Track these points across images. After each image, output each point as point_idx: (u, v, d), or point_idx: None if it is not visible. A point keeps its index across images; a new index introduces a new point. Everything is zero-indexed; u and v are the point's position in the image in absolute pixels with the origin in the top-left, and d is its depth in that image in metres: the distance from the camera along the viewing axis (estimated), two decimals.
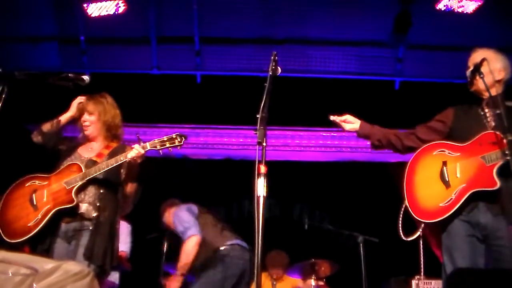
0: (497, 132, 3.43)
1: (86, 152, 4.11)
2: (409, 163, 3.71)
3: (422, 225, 3.53)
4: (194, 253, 4.86)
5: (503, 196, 3.33)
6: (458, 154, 3.56)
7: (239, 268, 4.89)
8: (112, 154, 4.00)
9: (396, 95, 8.11)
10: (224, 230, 5.19)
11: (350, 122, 4.03)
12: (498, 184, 3.29)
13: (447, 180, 3.49)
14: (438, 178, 3.54)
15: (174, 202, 5.48)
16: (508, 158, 3.22)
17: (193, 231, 4.92)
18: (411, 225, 3.65)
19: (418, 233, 3.57)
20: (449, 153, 3.60)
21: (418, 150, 3.75)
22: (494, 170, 3.35)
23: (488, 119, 3.64)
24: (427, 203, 3.52)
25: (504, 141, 3.28)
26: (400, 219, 3.66)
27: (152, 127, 7.96)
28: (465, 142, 3.57)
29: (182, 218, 5.06)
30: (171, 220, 5.26)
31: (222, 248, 4.94)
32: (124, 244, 6.36)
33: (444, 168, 3.54)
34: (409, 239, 3.62)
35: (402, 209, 3.64)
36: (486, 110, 3.68)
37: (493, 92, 3.65)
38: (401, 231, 3.65)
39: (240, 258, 4.93)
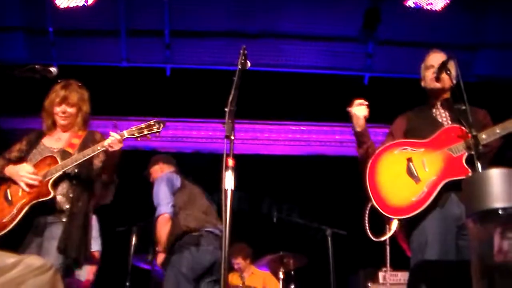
0: (460, 126, 3.53)
1: (53, 142, 3.98)
2: (369, 165, 3.68)
3: (395, 224, 3.45)
4: (165, 231, 4.77)
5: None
6: (422, 149, 3.61)
7: (207, 259, 4.81)
8: (83, 143, 3.91)
9: (365, 90, 8.18)
10: (207, 211, 5.08)
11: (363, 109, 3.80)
12: (470, 172, 3.33)
13: (415, 175, 3.51)
14: (406, 175, 3.55)
15: (166, 162, 5.47)
16: (472, 152, 3.28)
17: (163, 209, 4.84)
18: (377, 225, 3.60)
19: (392, 232, 3.46)
20: (412, 149, 3.64)
21: (377, 152, 3.74)
22: (463, 159, 3.43)
23: (444, 119, 3.74)
24: (398, 200, 3.50)
25: (469, 135, 3.34)
26: (366, 221, 3.61)
27: (121, 120, 7.89)
28: (426, 139, 3.64)
29: (158, 192, 4.96)
30: (154, 178, 5.28)
31: (194, 234, 4.81)
32: (95, 241, 6.33)
33: (410, 164, 3.56)
34: (382, 239, 3.54)
35: (367, 210, 3.61)
36: (442, 111, 3.79)
37: (447, 94, 3.82)
38: (369, 232, 3.58)
39: (209, 250, 4.82)
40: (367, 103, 3.80)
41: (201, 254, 4.72)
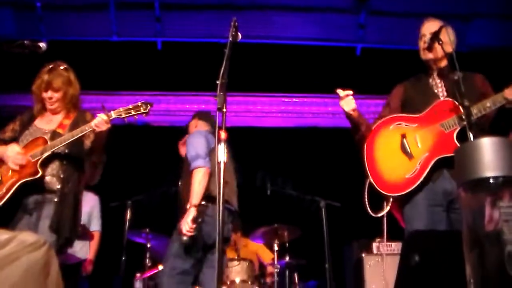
0: (452, 99, 3.52)
1: (45, 124, 4.05)
2: (366, 142, 3.73)
3: (391, 199, 3.52)
4: (204, 183, 4.52)
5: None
6: (416, 125, 3.62)
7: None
8: (74, 124, 3.97)
9: (358, 61, 8.16)
10: (228, 183, 4.68)
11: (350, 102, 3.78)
12: None
13: (409, 151, 3.54)
14: (400, 151, 3.59)
15: (202, 119, 5.26)
16: (464, 123, 3.28)
17: (202, 162, 4.59)
18: (375, 200, 3.65)
19: (387, 208, 3.53)
20: (406, 125, 3.66)
21: (373, 127, 3.78)
22: (454, 135, 3.44)
23: (440, 89, 3.73)
24: (392, 176, 3.56)
25: (460, 107, 3.34)
26: (366, 196, 3.65)
27: (113, 94, 7.87)
28: (420, 113, 3.65)
29: (196, 144, 4.72)
30: (190, 131, 5.15)
31: (209, 204, 4.56)
32: (97, 221, 6.37)
33: (404, 140, 3.59)
34: (379, 215, 3.58)
35: (366, 186, 3.66)
36: (438, 81, 3.77)
37: (443, 63, 3.78)
38: (368, 208, 3.62)
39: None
40: (352, 92, 3.76)
41: (212, 228, 4.61)
